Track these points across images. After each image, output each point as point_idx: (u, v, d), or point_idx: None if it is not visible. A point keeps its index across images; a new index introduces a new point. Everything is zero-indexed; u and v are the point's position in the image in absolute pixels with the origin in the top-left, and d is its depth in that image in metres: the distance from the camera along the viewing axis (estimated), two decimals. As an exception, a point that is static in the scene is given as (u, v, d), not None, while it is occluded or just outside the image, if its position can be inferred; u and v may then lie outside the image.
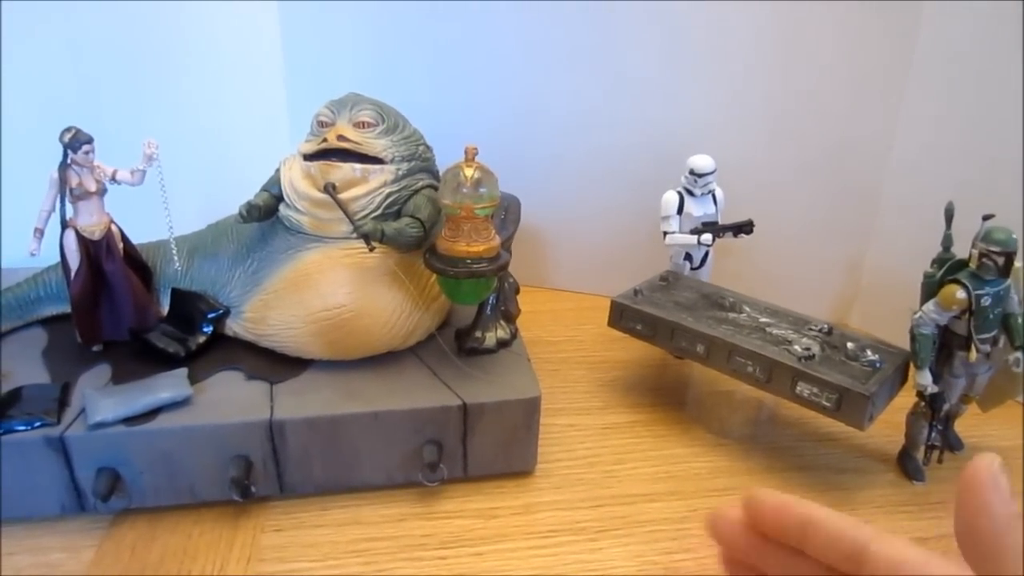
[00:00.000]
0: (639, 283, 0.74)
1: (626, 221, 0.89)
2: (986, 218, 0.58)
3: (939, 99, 0.76)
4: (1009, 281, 0.58)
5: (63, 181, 0.60)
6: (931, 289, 0.61)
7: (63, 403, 0.57)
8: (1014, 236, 0.56)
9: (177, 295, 0.66)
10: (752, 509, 0.30)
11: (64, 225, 0.61)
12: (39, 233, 0.60)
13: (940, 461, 0.65)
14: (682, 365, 0.81)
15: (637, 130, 0.86)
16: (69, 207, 0.61)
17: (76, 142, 0.59)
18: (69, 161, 0.60)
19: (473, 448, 0.60)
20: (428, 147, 0.66)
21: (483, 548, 0.56)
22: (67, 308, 0.65)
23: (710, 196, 0.77)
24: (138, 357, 0.63)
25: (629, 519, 0.59)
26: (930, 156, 0.78)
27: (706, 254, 0.79)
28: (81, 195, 0.61)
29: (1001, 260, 0.57)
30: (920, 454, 0.65)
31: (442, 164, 0.60)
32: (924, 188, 0.77)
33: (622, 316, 0.71)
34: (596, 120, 0.86)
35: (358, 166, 0.61)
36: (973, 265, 0.58)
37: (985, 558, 0.22)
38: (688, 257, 0.79)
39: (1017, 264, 0.58)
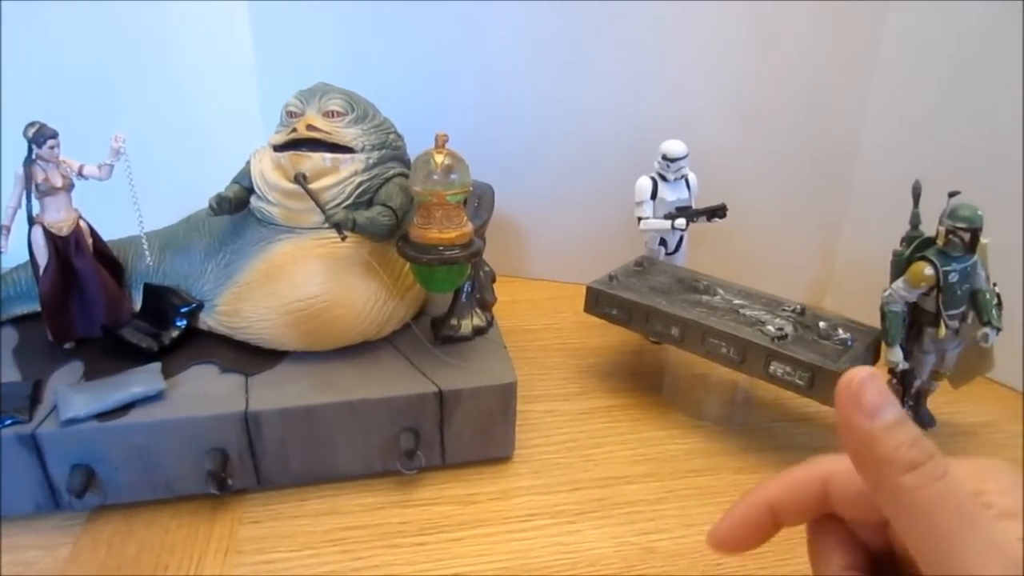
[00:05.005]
0: (614, 269, 0.74)
1: (601, 208, 0.89)
2: (952, 195, 0.58)
3: (908, 85, 0.77)
4: (976, 257, 0.59)
5: (28, 177, 0.59)
6: (900, 267, 0.61)
7: (35, 400, 0.56)
8: (979, 212, 0.57)
9: (149, 290, 0.66)
10: None
11: (31, 222, 0.61)
12: (6, 231, 0.60)
13: (912, 437, 0.66)
14: (658, 350, 0.81)
15: (610, 117, 0.86)
16: (36, 203, 0.60)
17: (41, 137, 0.58)
18: (34, 156, 0.59)
19: (450, 435, 0.60)
20: (399, 135, 0.66)
21: (461, 534, 0.56)
22: (38, 306, 0.64)
23: (683, 181, 0.77)
24: (111, 353, 0.62)
25: (606, 501, 0.60)
26: (900, 141, 0.79)
27: (680, 239, 0.79)
28: (47, 191, 0.60)
29: (967, 236, 0.57)
30: (893, 430, 0.65)
31: (414, 153, 0.60)
32: (895, 173, 0.77)
33: (597, 301, 0.71)
34: (569, 108, 0.86)
35: (328, 155, 0.61)
36: (940, 242, 0.59)
37: (863, 472, 0.23)
38: (663, 242, 0.79)
39: (984, 240, 0.59)
